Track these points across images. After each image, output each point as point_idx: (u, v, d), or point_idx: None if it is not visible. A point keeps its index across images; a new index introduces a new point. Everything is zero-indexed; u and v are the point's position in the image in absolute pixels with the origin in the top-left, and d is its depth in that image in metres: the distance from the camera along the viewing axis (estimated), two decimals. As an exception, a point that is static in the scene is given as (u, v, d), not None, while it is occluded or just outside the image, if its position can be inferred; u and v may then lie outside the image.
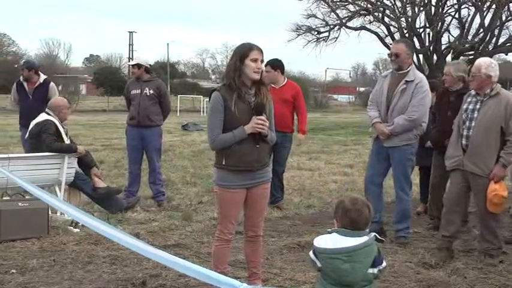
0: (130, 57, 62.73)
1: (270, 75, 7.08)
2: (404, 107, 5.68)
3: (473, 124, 5.18)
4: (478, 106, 5.22)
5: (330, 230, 3.07)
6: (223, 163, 3.98)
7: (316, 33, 28.15)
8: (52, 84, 8.43)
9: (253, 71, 3.90)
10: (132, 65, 7.60)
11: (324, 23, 27.80)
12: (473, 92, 5.36)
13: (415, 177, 8.20)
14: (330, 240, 2.97)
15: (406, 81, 5.72)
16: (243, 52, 3.93)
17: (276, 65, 7.34)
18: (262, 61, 3.96)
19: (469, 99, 5.35)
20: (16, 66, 9.44)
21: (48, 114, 6.74)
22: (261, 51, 3.96)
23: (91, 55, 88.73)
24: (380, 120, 5.79)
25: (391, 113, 5.74)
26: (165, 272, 4.69)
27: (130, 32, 67.94)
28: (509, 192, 6.78)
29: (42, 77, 8.26)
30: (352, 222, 3.00)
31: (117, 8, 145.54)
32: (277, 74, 7.35)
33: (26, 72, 8.14)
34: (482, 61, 5.31)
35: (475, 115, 5.20)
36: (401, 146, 5.78)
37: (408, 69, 5.79)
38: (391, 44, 24.39)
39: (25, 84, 8.17)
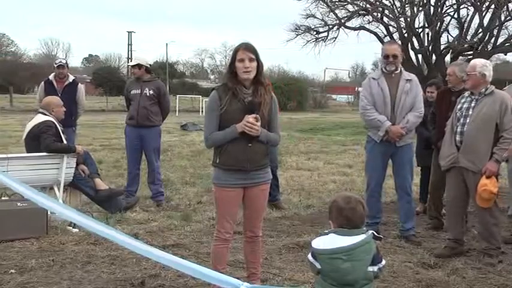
0: (129, 57, 62.73)
1: None
2: (411, 105, 5.78)
3: (467, 121, 5.24)
4: (473, 104, 5.29)
5: (326, 231, 3.07)
6: (217, 161, 4.01)
7: (315, 33, 28.11)
8: (80, 85, 8.59)
9: (242, 71, 3.89)
10: (133, 66, 7.55)
11: (322, 23, 27.77)
12: (466, 94, 5.44)
13: (415, 177, 8.22)
14: (328, 241, 2.97)
15: (407, 80, 5.82)
16: (233, 54, 3.96)
17: None
18: (252, 59, 3.89)
19: (463, 100, 5.44)
20: (55, 65, 9.23)
21: (44, 114, 6.73)
22: (248, 49, 3.89)
23: (90, 55, 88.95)
24: (391, 123, 5.77)
25: (399, 112, 5.75)
26: (164, 272, 4.69)
27: (129, 32, 67.97)
28: (507, 192, 6.82)
29: (71, 77, 8.40)
30: (347, 220, 3.00)
31: (116, 8, 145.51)
32: None
33: (62, 69, 8.24)
34: (477, 61, 5.47)
35: (470, 112, 5.26)
36: (410, 143, 5.96)
37: (400, 68, 5.88)
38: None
39: (54, 82, 8.23)
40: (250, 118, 3.86)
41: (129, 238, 2.50)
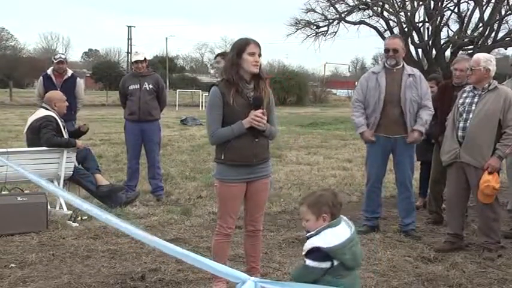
0: (129, 51, 62.61)
1: None
2: (414, 99, 5.73)
3: (470, 116, 5.22)
4: (476, 100, 5.24)
5: (312, 233, 3.02)
6: (222, 158, 3.99)
7: (315, 27, 28.06)
8: (79, 79, 8.62)
9: (252, 64, 3.91)
10: (141, 60, 7.42)
11: (323, 17, 27.71)
12: (468, 88, 5.40)
13: (415, 172, 8.22)
14: (334, 235, 2.96)
15: (409, 74, 5.77)
16: (240, 46, 3.94)
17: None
18: (260, 55, 3.96)
19: (464, 94, 5.40)
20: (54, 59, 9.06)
21: (46, 109, 6.73)
22: (258, 45, 3.97)
23: (90, 49, 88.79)
24: (366, 129, 5.79)
25: (407, 107, 5.70)
26: (164, 267, 4.70)
27: (129, 27, 67.80)
28: (507, 186, 6.82)
29: (70, 71, 8.41)
30: (340, 207, 3.11)
31: (115, 2, 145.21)
32: None
33: (61, 65, 8.24)
34: (481, 55, 5.38)
35: (473, 108, 5.22)
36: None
37: (402, 63, 5.83)
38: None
39: (53, 77, 8.23)
40: (257, 113, 3.88)
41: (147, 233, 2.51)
